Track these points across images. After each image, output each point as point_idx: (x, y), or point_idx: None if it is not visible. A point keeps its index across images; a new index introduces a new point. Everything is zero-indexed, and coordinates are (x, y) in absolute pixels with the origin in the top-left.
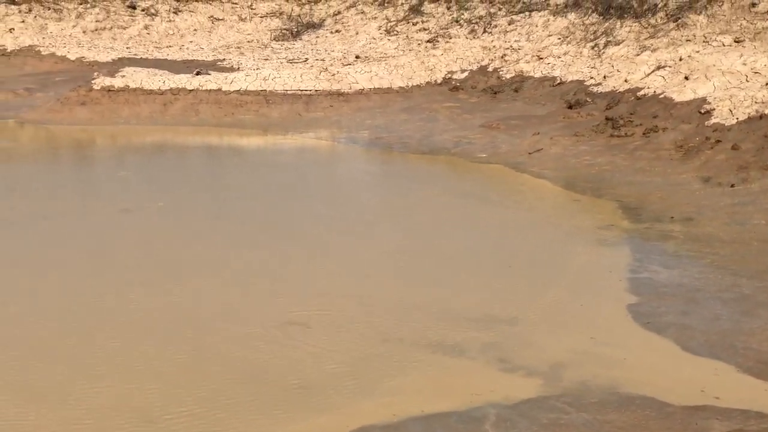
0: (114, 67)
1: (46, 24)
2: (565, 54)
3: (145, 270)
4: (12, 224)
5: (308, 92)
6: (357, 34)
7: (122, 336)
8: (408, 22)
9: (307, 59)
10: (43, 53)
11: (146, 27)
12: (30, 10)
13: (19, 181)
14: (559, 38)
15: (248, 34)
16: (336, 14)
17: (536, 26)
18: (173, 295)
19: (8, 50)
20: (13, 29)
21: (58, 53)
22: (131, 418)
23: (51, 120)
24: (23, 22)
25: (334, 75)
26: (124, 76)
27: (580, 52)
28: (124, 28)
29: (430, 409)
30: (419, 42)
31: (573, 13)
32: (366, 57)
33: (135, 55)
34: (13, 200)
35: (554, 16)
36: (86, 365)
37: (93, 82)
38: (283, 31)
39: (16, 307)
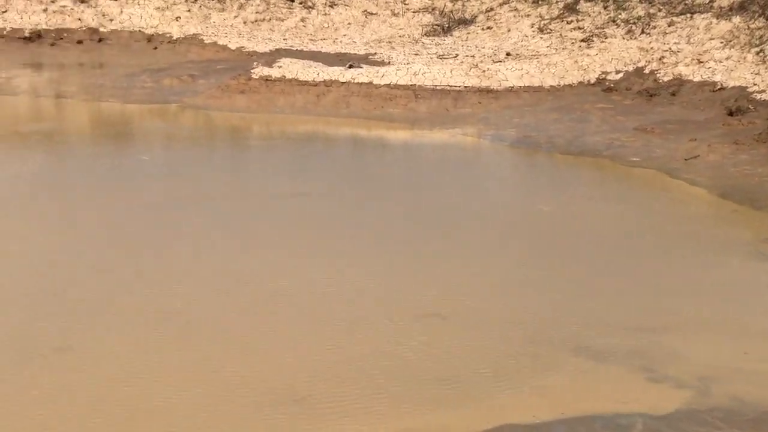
0: (271, 57)
1: (210, 14)
2: (727, 59)
3: (296, 258)
4: (176, 206)
5: (457, 88)
6: (509, 31)
7: (278, 322)
8: (562, 21)
9: (457, 55)
10: (205, 42)
11: (303, 20)
12: (195, 0)
13: (180, 164)
14: (722, 42)
15: (400, 29)
16: (488, 11)
17: (698, 29)
18: (327, 286)
19: (174, 38)
20: (179, 18)
21: (219, 42)
22: (281, 397)
23: (211, 106)
24: (189, 11)
25: (484, 72)
26: (281, 66)
27: (744, 58)
28: (282, 20)
29: (573, 413)
30: (573, 41)
31: (738, 17)
32: (517, 54)
33: (291, 46)
34: (175, 183)
35: (717, 19)
36: (246, 345)
37: (252, 71)
38: (435, 27)
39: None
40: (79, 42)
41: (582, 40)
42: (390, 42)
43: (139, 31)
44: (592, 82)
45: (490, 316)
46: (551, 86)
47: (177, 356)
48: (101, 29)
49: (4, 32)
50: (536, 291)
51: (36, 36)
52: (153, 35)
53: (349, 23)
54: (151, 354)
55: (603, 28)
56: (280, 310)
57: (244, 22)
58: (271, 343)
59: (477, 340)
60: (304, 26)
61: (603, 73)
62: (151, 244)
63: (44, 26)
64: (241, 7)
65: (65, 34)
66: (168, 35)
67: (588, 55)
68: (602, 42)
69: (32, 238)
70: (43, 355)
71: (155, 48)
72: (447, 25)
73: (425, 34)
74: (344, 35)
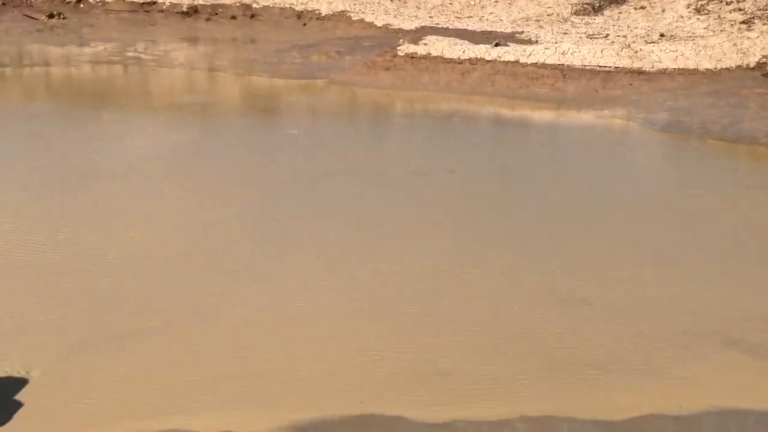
0: (417, 35)
1: None
2: None
3: (438, 238)
4: (322, 178)
5: (607, 69)
6: (663, 11)
7: (426, 303)
8: (721, 1)
9: (607, 35)
10: (353, 18)
11: None
12: None
13: (327, 138)
14: None
15: (548, 8)
16: None
17: None
18: (472, 267)
19: (322, 14)
20: None
21: (366, 19)
22: (425, 370)
23: (357, 82)
24: None
25: (636, 52)
26: (426, 44)
27: None
28: None
29: (722, 405)
30: (732, 22)
31: None
32: (672, 35)
33: (437, 24)
34: (322, 156)
35: None
36: (394, 325)
37: (398, 48)
38: (585, 6)
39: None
40: (233, 17)
41: (742, 22)
42: (537, 20)
43: (290, 7)
44: (752, 66)
45: (642, 304)
46: (707, 69)
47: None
48: (254, 5)
49: (164, 7)
50: (692, 281)
51: (193, 11)
52: (302, 12)
53: (496, 1)
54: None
55: (766, 10)
56: (426, 290)
57: (391, 0)
58: (416, 324)
59: (624, 328)
60: (451, 4)
61: (764, 57)
62: (300, 215)
63: (201, 1)
64: None
65: (220, 10)
66: (317, 12)
67: (748, 37)
68: (765, 24)
69: (189, 205)
70: (196, 313)
71: (304, 24)
72: (598, 4)
73: (574, 13)
74: (490, 13)
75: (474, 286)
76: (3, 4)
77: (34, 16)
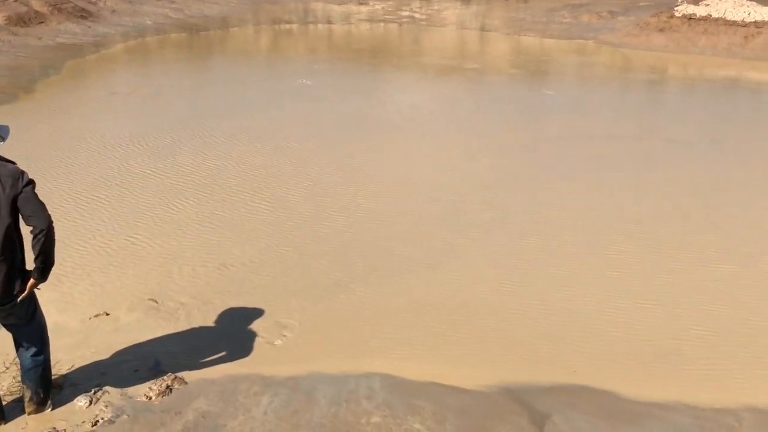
0: None
1: None
2: None
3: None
4: (577, 141)
5: None
6: None
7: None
8: None
9: None
10: None
11: None
12: None
13: (588, 101)
14: None
15: None
16: None
17: None
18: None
19: None
20: None
21: None
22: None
23: (627, 44)
24: None
25: None
26: (708, 4)
27: None
28: None
29: None
30: None
31: None
32: None
33: None
34: (579, 119)
35: None
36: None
37: (675, 9)
38: None
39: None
40: None
41: None
42: None
43: None
44: None
45: None
46: None
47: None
48: None
49: None
50: None
51: None
52: None
53: None
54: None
55: None
56: (671, 259)
57: None
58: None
59: None
60: None
61: None
62: (556, 176)
63: None
64: None
65: None
66: None
67: None
68: None
69: (461, 154)
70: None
71: None
72: None
73: None
74: None
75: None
76: None
77: None
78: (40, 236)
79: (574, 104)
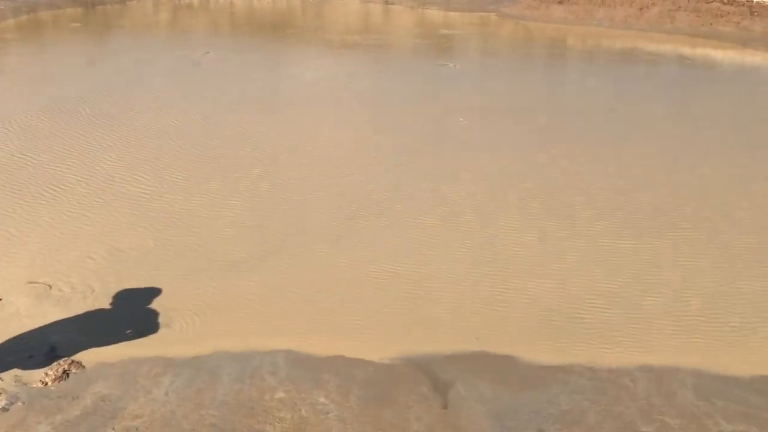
0: None
1: None
2: None
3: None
4: (481, 115)
5: None
6: None
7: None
8: None
9: None
10: None
11: None
12: None
13: (482, 73)
14: None
15: None
16: None
17: None
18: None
19: None
20: None
21: None
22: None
23: (527, 16)
24: None
25: None
26: None
27: None
28: None
29: None
30: None
31: None
32: None
33: None
34: (471, 91)
35: None
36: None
37: None
38: None
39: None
40: None
41: None
42: None
43: None
44: None
45: None
46: None
47: None
48: None
49: None
50: None
51: None
52: None
53: None
54: None
55: None
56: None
57: None
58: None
59: None
60: None
61: None
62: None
63: None
64: None
65: None
66: None
67: None
68: None
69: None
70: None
71: None
72: None
73: None
74: None
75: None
76: None
77: None
78: None
79: (475, 77)
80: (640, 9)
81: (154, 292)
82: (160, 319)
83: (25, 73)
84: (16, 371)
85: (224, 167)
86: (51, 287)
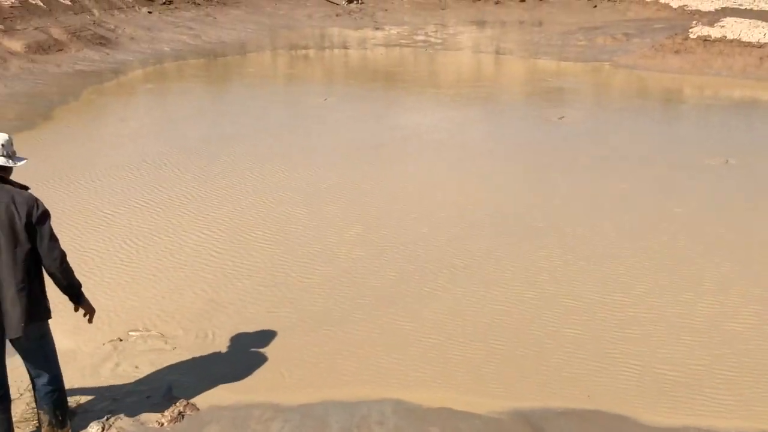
0: (714, 16)
1: None
2: None
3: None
4: (594, 166)
5: None
6: None
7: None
8: None
9: None
10: (646, 0)
11: None
12: None
13: (604, 123)
14: None
15: None
16: None
17: None
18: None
19: None
20: None
21: (661, 0)
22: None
23: (642, 66)
24: None
25: None
26: (723, 26)
27: None
28: None
29: None
30: None
31: None
32: None
33: (739, 5)
34: (585, 141)
35: None
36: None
37: (690, 30)
38: None
39: None
40: (522, 0)
41: None
42: None
43: None
44: None
45: None
46: None
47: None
48: None
49: None
50: None
51: None
52: None
53: None
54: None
55: None
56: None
57: None
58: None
59: None
60: None
61: None
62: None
63: None
64: None
65: None
66: None
67: None
68: None
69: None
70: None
71: (594, 6)
72: None
73: None
74: None
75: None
76: None
77: (335, 1)
78: (55, 275)
79: (588, 128)
80: (760, 58)
81: (266, 340)
82: (271, 366)
83: (149, 120)
84: (134, 411)
85: (331, 217)
86: (167, 331)
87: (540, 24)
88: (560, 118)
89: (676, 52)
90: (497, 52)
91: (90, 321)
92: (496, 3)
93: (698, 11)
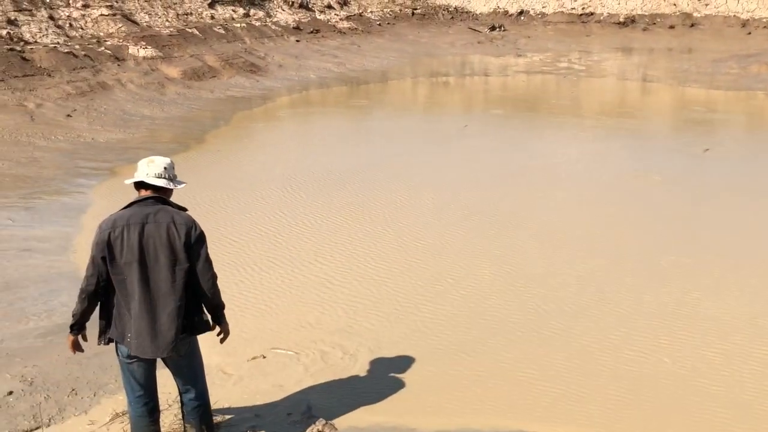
0: None
1: None
2: None
3: None
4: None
5: None
6: None
7: None
8: None
9: None
10: None
11: None
12: None
13: (745, 153)
14: None
15: None
16: None
17: None
18: None
19: None
20: None
21: None
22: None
23: None
24: None
25: None
26: None
27: None
28: None
29: None
30: None
31: None
32: None
33: None
34: (731, 172)
35: None
36: None
37: None
38: None
39: None
40: (671, 27)
41: None
42: None
43: (734, 15)
44: None
45: None
46: None
47: None
48: (695, 14)
49: (601, 17)
50: None
51: (630, 21)
52: (748, 20)
53: None
54: None
55: None
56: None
57: None
58: None
59: None
60: None
61: None
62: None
63: (639, 11)
64: None
65: (658, 19)
66: (764, 20)
67: None
68: None
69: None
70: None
71: (749, 33)
72: None
73: None
74: None
75: None
76: (452, 18)
77: (477, 29)
78: (206, 295)
79: (737, 161)
80: None
81: (406, 362)
82: (408, 391)
83: (298, 143)
84: (275, 428)
85: (457, 249)
86: (303, 355)
87: (690, 51)
88: (705, 151)
89: None
90: (644, 80)
91: (222, 341)
92: (644, 30)
93: None
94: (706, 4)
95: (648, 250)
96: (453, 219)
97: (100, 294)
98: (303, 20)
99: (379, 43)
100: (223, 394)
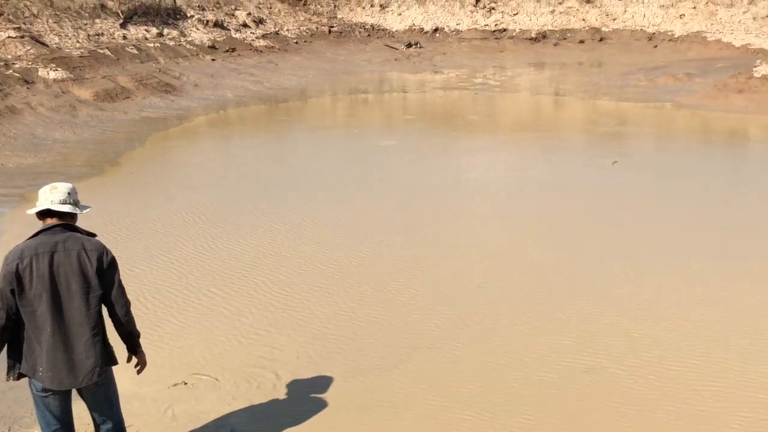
0: None
1: (717, 10)
2: None
3: None
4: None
5: None
6: None
7: None
8: None
9: None
10: (708, 39)
11: None
12: None
13: (664, 163)
14: None
15: None
16: None
17: None
18: None
19: (675, 36)
20: (683, 15)
21: (723, 39)
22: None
23: (706, 106)
24: (694, 8)
25: None
26: None
27: None
28: None
29: None
30: None
31: None
32: None
33: None
34: (651, 184)
35: None
36: None
37: (754, 69)
38: None
39: None
40: (581, 42)
41: None
42: None
43: (641, 29)
44: None
45: None
46: None
47: None
48: (603, 29)
49: (514, 33)
50: None
51: (541, 36)
52: (654, 33)
53: None
54: None
55: None
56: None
57: (754, 18)
58: None
59: None
60: None
61: None
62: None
63: (550, 27)
64: (751, 2)
65: (568, 35)
66: (669, 33)
67: None
68: None
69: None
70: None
71: (655, 46)
72: None
73: None
74: None
75: None
76: (368, 35)
77: (394, 46)
78: (120, 322)
79: (648, 173)
80: None
81: (327, 382)
82: (331, 409)
83: (217, 165)
84: None
85: (392, 258)
86: (222, 380)
87: (599, 65)
88: (613, 163)
89: (740, 91)
90: (556, 94)
91: (139, 372)
92: (555, 45)
93: (762, 50)
94: (614, 19)
95: (553, 263)
96: (367, 236)
97: (10, 328)
98: (218, 39)
99: (297, 61)
100: (144, 424)
